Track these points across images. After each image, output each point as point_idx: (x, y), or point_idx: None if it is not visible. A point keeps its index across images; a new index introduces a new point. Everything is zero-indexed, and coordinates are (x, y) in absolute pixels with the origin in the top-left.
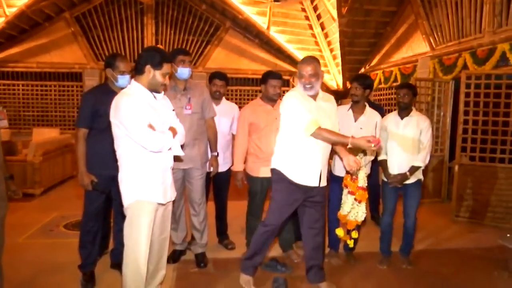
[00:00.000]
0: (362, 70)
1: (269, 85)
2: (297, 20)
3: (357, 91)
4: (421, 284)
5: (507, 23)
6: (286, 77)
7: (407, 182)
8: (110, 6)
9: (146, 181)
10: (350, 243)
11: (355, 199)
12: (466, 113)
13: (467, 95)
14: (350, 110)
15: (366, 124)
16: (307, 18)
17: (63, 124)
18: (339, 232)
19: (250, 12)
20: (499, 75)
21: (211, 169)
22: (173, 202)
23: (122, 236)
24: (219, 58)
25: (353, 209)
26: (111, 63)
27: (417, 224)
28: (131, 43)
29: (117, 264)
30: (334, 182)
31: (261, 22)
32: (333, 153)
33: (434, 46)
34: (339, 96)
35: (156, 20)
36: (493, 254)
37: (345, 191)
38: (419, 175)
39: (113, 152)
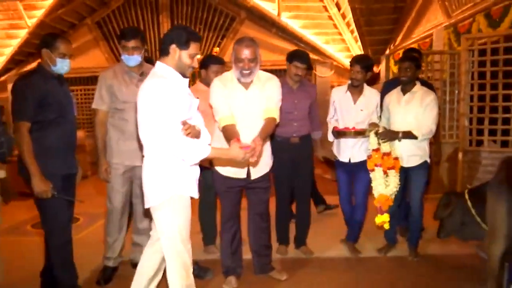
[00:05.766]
0: (387, 51)
1: (211, 71)
2: (310, 2)
3: (359, 75)
4: None
5: None
6: None
7: (411, 164)
8: (127, 8)
9: (184, 174)
10: (387, 225)
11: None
12: (471, 87)
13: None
14: (348, 92)
15: (366, 105)
16: None
17: (89, 126)
18: (380, 219)
19: None
20: (510, 36)
21: None
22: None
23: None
24: None
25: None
26: (50, 43)
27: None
28: (148, 43)
29: None
30: (341, 170)
31: (270, 8)
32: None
33: (450, 13)
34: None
35: (172, 18)
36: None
37: (378, 172)
38: (424, 157)
39: (68, 145)
